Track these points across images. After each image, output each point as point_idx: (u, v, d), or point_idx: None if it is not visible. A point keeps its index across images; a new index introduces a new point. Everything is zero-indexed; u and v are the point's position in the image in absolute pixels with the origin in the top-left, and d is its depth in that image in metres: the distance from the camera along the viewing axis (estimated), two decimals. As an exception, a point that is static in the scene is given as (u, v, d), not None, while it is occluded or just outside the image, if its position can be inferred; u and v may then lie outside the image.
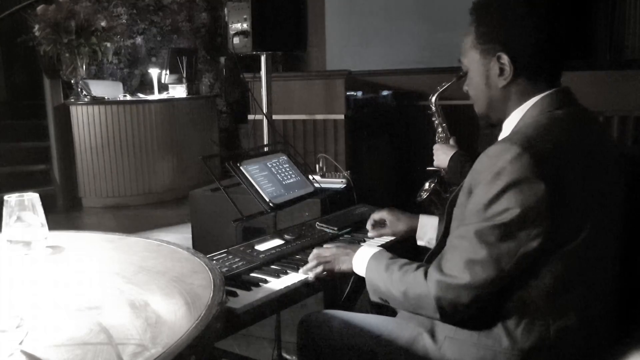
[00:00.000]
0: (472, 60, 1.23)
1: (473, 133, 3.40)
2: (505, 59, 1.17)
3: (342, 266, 1.40)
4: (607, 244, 1.15)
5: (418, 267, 1.19)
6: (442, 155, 2.10)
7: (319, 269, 1.41)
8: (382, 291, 1.25)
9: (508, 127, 1.22)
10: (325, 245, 1.52)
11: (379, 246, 1.51)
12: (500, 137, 1.23)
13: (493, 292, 1.11)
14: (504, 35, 1.17)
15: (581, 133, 1.15)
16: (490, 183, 1.07)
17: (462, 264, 1.10)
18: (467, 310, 1.12)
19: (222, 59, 6.77)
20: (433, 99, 2.18)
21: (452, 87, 2.15)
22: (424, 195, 2.25)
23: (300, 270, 1.44)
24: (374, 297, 1.29)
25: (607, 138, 1.28)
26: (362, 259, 1.34)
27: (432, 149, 2.21)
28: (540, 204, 1.04)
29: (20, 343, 0.86)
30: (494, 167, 1.07)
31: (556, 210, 1.05)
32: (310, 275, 1.41)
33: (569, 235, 1.08)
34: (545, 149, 1.06)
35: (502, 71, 1.18)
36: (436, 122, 2.19)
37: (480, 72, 1.22)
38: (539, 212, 1.04)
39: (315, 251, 1.46)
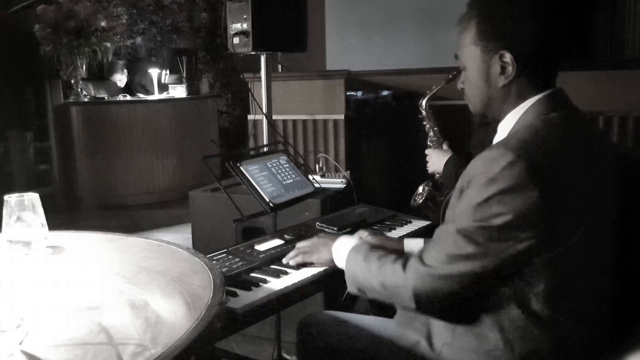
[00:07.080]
0: (471, 56, 1.19)
1: (464, 133, 3.40)
2: (508, 57, 1.14)
3: (321, 255, 1.43)
4: (602, 246, 1.13)
5: (396, 259, 1.20)
6: (436, 160, 2.10)
7: (299, 258, 1.46)
8: (359, 281, 1.26)
9: (504, 129, 1.19)
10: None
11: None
12: (495, 140, 1.21)
13: (474, 288, 1.11)
14: (508, 33, 1.13)
15: (576, 137, 1.14)
16: (484, 187, 1.06)
17: (444, 257, 1.10)
18: (444, 302, 1.13)
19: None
20: (423, 103, 2.17)
21: (442, 89, 2.15)
22: (419, 199, 2.25)
23: (284, 259, 1.49)
24: (351, 288, 1.29)
25: (602, 140, 1.27)
26: (342, 250, 1.36)
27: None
28: (533, 210, 1.03)
29: (20, 343, 0.86)
30: (488, 172, 1.05)
31: (549, 215, 1.04)
32: (291, 263, 1.47)
33: (562, 239, 1.06)
34: (540, 156, 1.05)
35: (503, 70, 1.15)
36: (427, 126, 2.18)
37: (480, 69, 1.18)
38: (531, 218, 1.03)
39: (297, 244, 1.52)
